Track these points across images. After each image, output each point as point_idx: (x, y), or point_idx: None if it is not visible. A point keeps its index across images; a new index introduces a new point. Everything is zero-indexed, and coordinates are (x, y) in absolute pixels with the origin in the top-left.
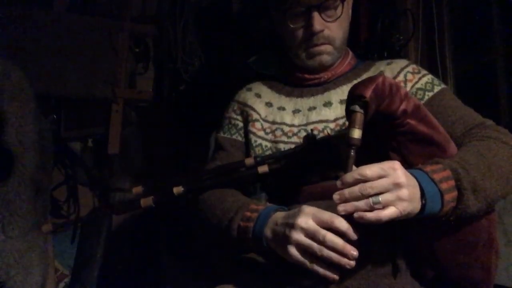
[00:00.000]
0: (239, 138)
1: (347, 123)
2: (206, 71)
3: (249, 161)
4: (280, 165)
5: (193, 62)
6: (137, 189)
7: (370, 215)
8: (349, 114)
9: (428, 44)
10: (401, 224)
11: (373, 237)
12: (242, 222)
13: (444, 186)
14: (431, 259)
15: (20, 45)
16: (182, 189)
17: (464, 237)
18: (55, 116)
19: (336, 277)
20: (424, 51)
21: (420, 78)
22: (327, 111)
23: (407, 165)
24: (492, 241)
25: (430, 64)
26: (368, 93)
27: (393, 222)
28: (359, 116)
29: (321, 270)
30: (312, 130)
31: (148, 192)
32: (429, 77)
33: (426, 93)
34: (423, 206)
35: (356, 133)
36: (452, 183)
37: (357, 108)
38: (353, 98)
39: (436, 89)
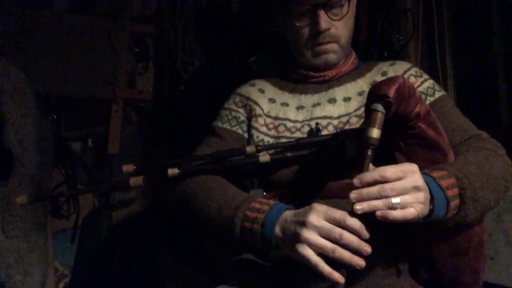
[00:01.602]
0: (240, 131)
1: (350, 120)
2: (206, 71)
3: (250, 149)
4: (282, 155)
5: (193, 62)
6: (128, 168)
7: (396, 214)
8: (369, 113)
9: (428, 44)
10: (401, 226)
11: (375, 238)
12: (250, 212)
13: (450, 193)
14: (427, 262)
15: (20, 45)
16: (177, 171)
17: (458, 242)
18: (55, 116)
19: (342, 280)
20: (424, 51)
21: (422, 82)
22: (331, 108)
23: None
24: (481, 246)
25: (430, 64)
26: (392, 93)
27: (395, 224)
28: (380, 116)
29: (327, 271)
30: (317, 123)
31: (140, 171)
32: (430, 82)
33: (428, 97)
34: (430, 211)
35: (375, 133)
36: (456, 191)
37: (379, 107)
38: (376, 97)
39: (437, 94)
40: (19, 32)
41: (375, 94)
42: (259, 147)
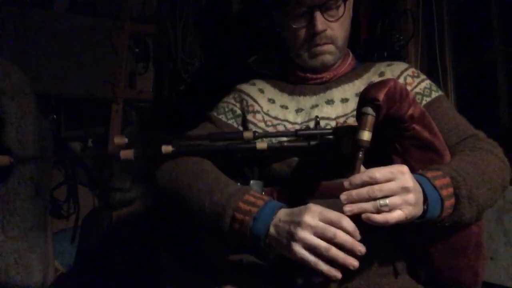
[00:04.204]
0: (235, 125)
1: (347, 121)
2: (206, 71)
3: (248, 134)
4: (280, 144)
5: (193, 62)
6: (120, 140)
7: (379, 217)
8: (360, 116)
9: (428, 44)
10: (399, 226)
11: (374, 237)
12: (243, 204)
13: (444, 192)
14: (425, 261)
15: (20, 45)
16: (172, 148)
17: (456, 242)
18: (55, 116)
19: (339, 275)
20: (424, 51)
21: (419, 83)
22: (329, 109)
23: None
24: (480, 246)
25: (430, 64)
26: (381, 96)
27: (394, 225)
28: (370, 119)
29: (325, 268)
30: (317, 116)
31: (132, 145)
32: (427, 82)
33: (424, 98)
34: (424, 211)
35: (366, 135)
36: (451, 190)
37: (369, 110)
38: (365, 100)
39: (434, 95)
40: (19, 32)
41: (365, 98)
42: (256, 133)
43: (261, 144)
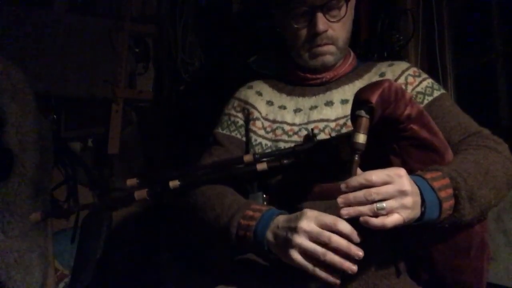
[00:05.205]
0: (239, 136)
1: (347, 122)
2: (206, 71)
3: (248, 158)
4: (279, 163)
5: (193, 62)
6: (132, 181)
7: (376, 221)
8: (354, 118)
9: (428, 44)
10: (399, 228)
11: (373, 239)
12: (243, 220)
13: (443, 194)
14: (427, 263)
15: (20, 45)
16: (178, 183)
17: (459, 242)
18: (55, 116)
19: (337, 281)
20: (424, 51)
21: (420, 82)
22: (328, 110)
23: (407, 169)
24: (484, 246)
25: (430, 64)
26: (375, 98)
27: (392, 228)
28: (365, 121)
29: (323, 275)
30: (312, 129)
31: (143, 185)
32: (429, 81)
33: (426, 97)
34: (422, 214)
35: (361, 138)
36: (450, 191)
37: (363, 113)
38: (359, 103)
39: (436, 93)
40: (19, 32)
41: (359, 100)
42: (256, 156)
43: (262, 165)
